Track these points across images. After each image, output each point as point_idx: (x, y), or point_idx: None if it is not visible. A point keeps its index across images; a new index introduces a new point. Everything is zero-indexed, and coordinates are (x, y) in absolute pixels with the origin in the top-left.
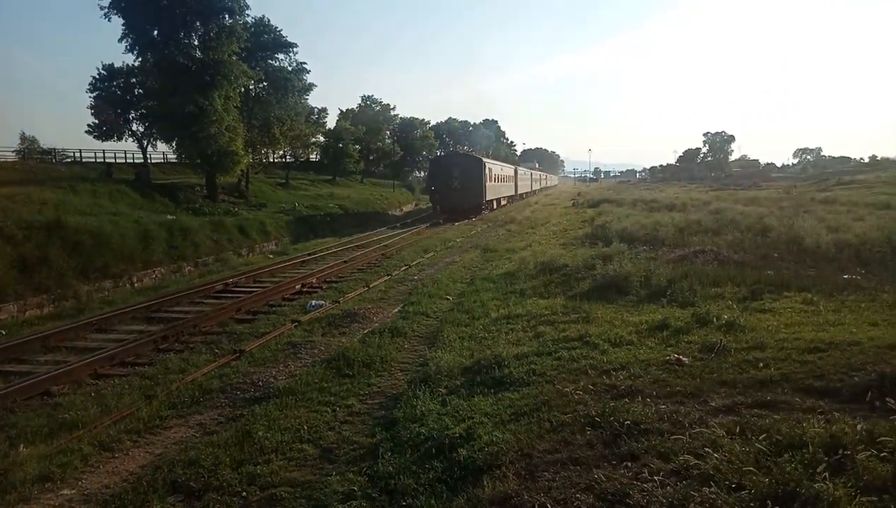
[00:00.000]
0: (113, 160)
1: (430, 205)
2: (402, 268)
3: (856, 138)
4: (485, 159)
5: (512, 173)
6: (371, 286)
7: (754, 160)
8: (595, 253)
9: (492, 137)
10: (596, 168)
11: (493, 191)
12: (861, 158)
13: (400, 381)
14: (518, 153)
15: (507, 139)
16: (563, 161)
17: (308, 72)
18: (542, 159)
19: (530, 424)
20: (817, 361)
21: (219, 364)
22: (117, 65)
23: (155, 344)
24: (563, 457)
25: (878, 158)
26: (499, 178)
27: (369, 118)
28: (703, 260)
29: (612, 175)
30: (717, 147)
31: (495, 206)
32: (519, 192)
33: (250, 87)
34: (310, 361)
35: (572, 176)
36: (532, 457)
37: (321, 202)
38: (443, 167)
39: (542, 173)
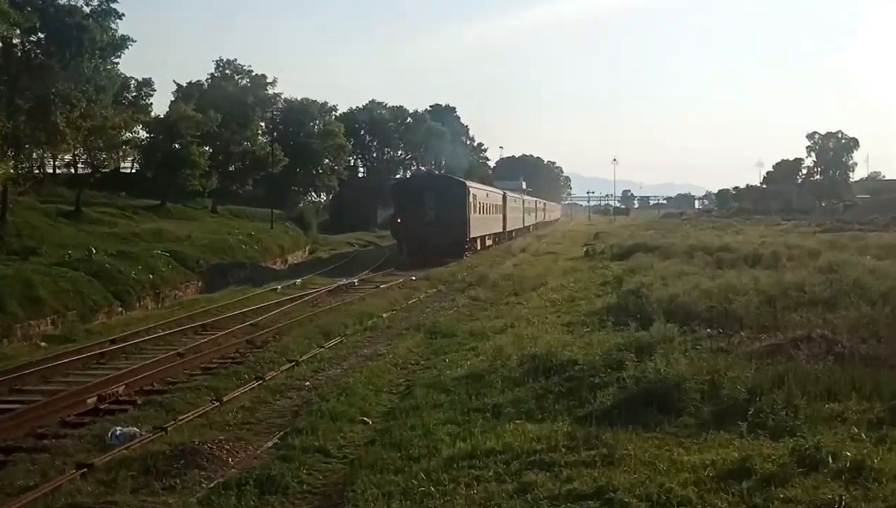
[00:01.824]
0: None
1: (376, 246)
2: (284, 367)
3: None
4: (469, 183)
5: (500, 201)
6: (226, 400)
7: (891, 180)
8: (623, 339)
9: (444, 136)
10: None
11: (479, 225)
12: None
13: None
14: (492, 165)
15: (472, 140)
16: (567, 179)
17: (120, 16)
18: (532, 175)
19: None
20: None
21: None
22: None
23: None
24: None
25: None
26: (485, 208)
27: (228, 99)
28: (808, 353)
29: (651, 203)
30: (830, 157)
31: (479, 246)
32: (508, 228)
33: (11, 40)
34: None
35: (584, 204)
36: None
37: (138, 246)
38: (412, 192)
39: (537, 201)
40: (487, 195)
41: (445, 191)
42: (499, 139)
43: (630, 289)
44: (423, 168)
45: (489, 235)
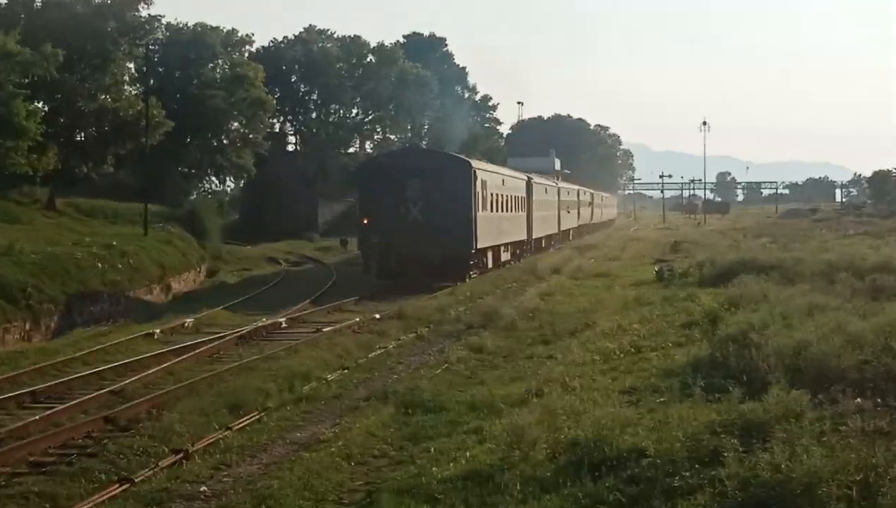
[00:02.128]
0: None
1: (318, 263)
2: (166, 462)
3: None
4: (475, 164)
5: (522, 191)
6: None
7: None
8: (721, 416)
9: (427, 84)
10: (723, 175)
11: (490, 229)
12: None
13: None
14: (505, 132)
15: (473, 90)
16: (627, 154)
17: None
18: (570, 149)
19: None
20: None
21: None
22: None
23: None
24: None
25: None
26: (500, 203)
27: (76, 26)
28: None
29: (765, 192)
30: None
31: (491, 262)
32: (535, 234)
33: None
34: None
35: (655, 194)
36: None
37: None
38: (388, 178)
39: (580, 191)
40: (504, 182)
41: (440, 176)
42: (516, 90)
43: (731, 335)
44: (392, 137)
45: (506, 245)
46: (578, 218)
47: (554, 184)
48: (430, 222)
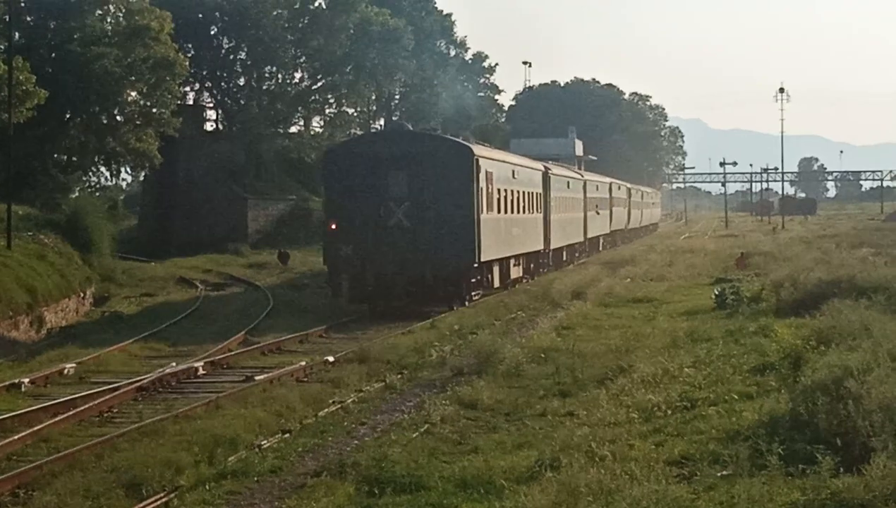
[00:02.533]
0: None
1: (248, 285)
2: None
3: None
4: (476, 148)
5: (538, 186)
6: None
7: None
8: (807, 496)
9: (399, 39)
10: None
11: (497, 236)
12: None
13: None
14: (506, 105)
15: (462, 46)
16: (675, 132)
17: None
18: (596, 125)
19: None
20: None
21: None
22: None
23: None
24: None
25: None
26: (509, 201)
27: None
28: None
29: (867, 186)
30: None
31: (497, 280)
32: (553, 244)
33: None
34: None
35: (715, 187)
36: None
37: None
38: (363, 170)
39: (613, 184)
40: (514, 174)
41: (432, 166)
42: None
43: (819, 383)
44: (350, 110)
45: (516, 257)
46: (611, 221)
47: (579, 176)
48: (419, 228)
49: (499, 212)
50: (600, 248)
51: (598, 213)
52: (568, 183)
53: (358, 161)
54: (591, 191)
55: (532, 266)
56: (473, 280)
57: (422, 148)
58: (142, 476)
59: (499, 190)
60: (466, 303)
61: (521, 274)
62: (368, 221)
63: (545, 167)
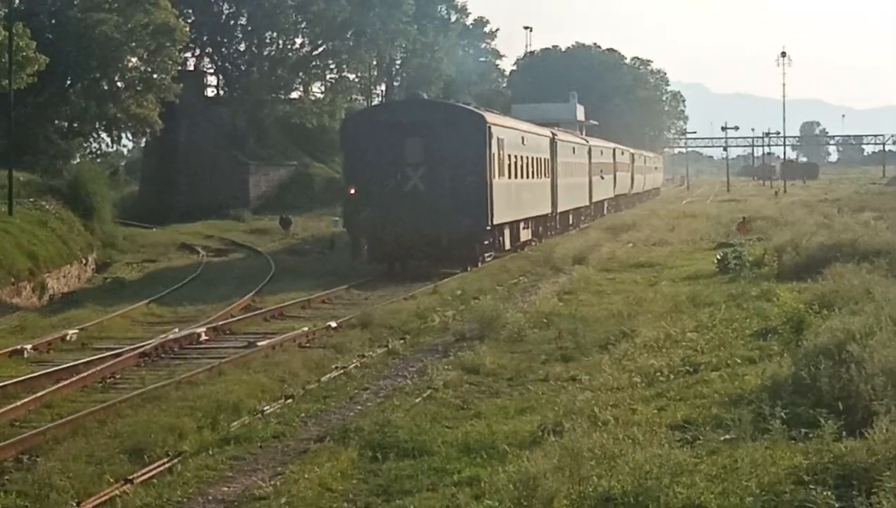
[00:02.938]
0: None
1: (250, 250)
2: None
3: None
4: (489, 116)
5: (546, 152)
6: None
7: None
8: (809, 459)
9: (402, 5)
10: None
11: (509, 200)
12: None
13: None
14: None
15: (463, 12)
16: (677, 97)
17: None
18: (597, 90)
19: None
20: None
21: None
22: None
23: None
24: None
25: None
26: (520, 166)
27: None
28: None
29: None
30: None
31: (508, 242)
32: (560, 208)
33: None
34: None
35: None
36: None
37: None
38: (380, 136)
39: (617, 149)
40: (524, 140)
41: (446, 133)
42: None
43: (822, 347)
44: (351, 76)
45: (525, 221)
46: (615, 185)
47: (584, 142)
48: (435, 193)
49: (509, 177)
50: (604, 212)
51: (602, 178)
52: (574, 148)
53: (375, 129)
54: (595, 156)
55: (540, 229)
56: (486, 242)
57: (437, 116)
58: (145, 441)
59: (509, 155)
60: (479, 264)
61: (530, 237)
62: (386, 186)
63: (552, 133)
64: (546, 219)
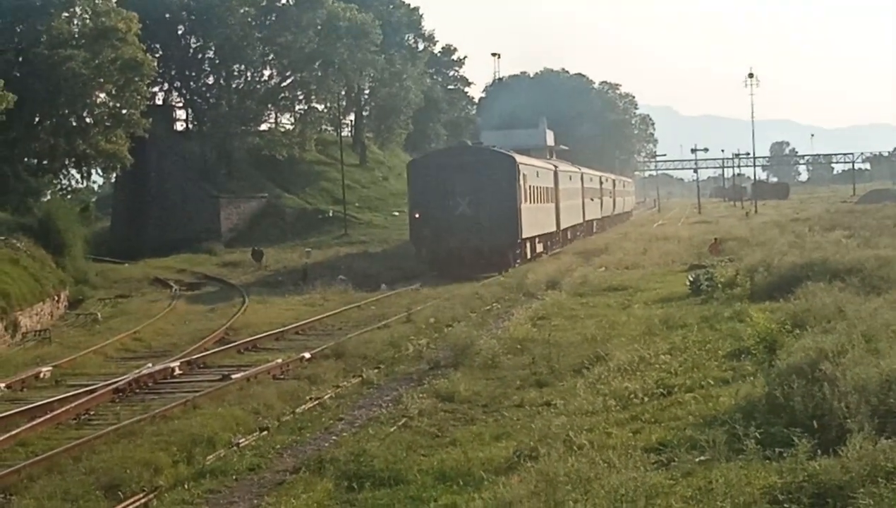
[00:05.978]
0: None
1: (221, 283)
2: None
3: None
4: (518, 158)
5: (551, 181)
6: None
7: None
8: (783, 479)
9: (368, 35)
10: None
11: (532, 220)
12: None
13: None
14: (476, 97)
15: (430, 40)
16: (646, 121)
17: None
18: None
19: None
20: None
21: None
22: None
23: None
24: None
25: None
26: (537, 194)
27: None
28: None
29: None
30: None
31: (530, 252)
32: (563, 226)
33: None
34: None
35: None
36: None
37: None
38: (436, 175)
39: (601, 177)
40: (538, 174)
41: (486, 170)
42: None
43: (795, 366)
44: (319, 106)
45: (540, 236)
46: (601, 207)
47: (576, 171)
48: (478, 215)
49: (530, 202)
50: (594, 230)
51: (592, 200)
52: (570, 176)
53: (433, 168)
54: (586, 182)
55: (549, 243)
56: (517, 251)
57: (479, 158)
58: (120, 477)
59: (530, 186)
60: (511, 268)
61: (542, 250)
62: (441, 211)
63: (555, 165)
64: (553, 235)
